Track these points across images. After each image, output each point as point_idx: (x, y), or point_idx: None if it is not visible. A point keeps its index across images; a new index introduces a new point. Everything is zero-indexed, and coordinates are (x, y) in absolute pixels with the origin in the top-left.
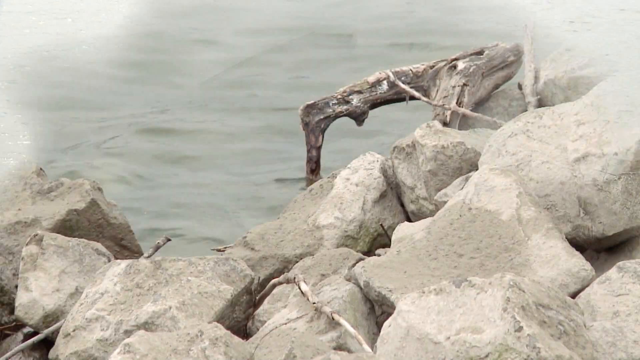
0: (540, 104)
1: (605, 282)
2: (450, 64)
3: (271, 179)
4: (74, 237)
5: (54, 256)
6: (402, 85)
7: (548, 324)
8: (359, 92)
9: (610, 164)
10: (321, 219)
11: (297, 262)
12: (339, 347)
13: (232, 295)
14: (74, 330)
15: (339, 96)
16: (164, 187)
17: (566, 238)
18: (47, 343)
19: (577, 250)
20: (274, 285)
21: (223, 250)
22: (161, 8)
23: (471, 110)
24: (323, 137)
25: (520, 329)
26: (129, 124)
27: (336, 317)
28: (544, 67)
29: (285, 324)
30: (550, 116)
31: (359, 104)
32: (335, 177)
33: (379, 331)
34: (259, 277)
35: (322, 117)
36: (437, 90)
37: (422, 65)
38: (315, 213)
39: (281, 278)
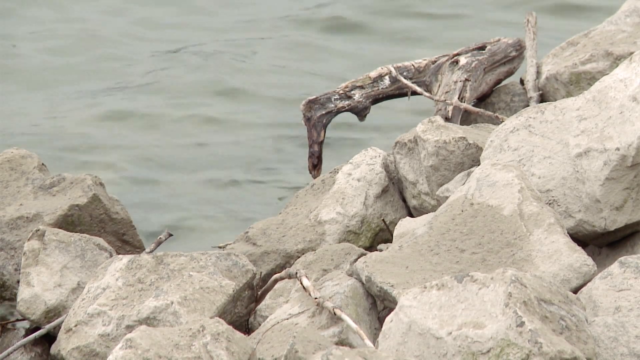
0: (542, 99)
1: (607, 277)
2: (452, 59)
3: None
4: (76, 232)
5: (55, 251)
6: (404, 81)
7: (550, 319)
8: (361, 87)
9: (612, 159)
10: (323, 214)
11: (298, 257)
12: (341, 343)
13: (234, 291)
14: (75, 326)
15: (341, 91)
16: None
17: (568, 233)
18: (49, 338)
19: (578, 245)
20: (276, 281)
21: (224, 247)
22: None
23: (473, 106)
24: (325, 132)
25: (522, 324)
26: None
27: (338, 312)
28: (545, 62)
29: (287, 319)
30: (552, 111)
31: (360, 99)
32: (337, 172)
33: (381, 326)
34: (261, 273)
35: (324, 112)
36: (439, 86)
37: (424, 60)
38: (317, 208)
39: (283, 273)
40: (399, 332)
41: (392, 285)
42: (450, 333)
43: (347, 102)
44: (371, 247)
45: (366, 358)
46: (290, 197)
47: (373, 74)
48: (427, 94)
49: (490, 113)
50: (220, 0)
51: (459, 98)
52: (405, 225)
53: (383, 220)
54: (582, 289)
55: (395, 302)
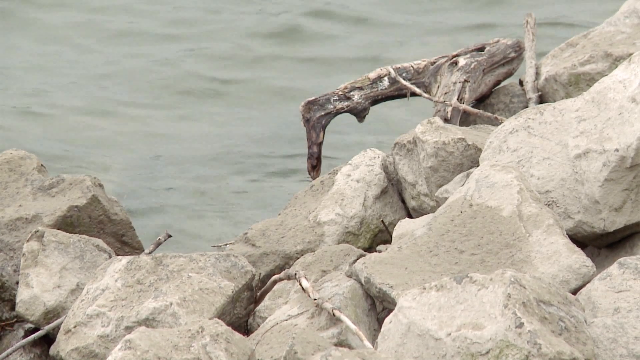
0: (541, 100)
1: (606, 278)
2: (452, 60)
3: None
4: (75, 233)
5: (55, 252)
6: (403, 82)
7: (549, 320)
8: (360, 88)
9: (611, 160)
10: (322, 215)
11: (298, 258)
12: (340, 344)
13: (233, 292)
14: (74, 327)
15: (340, 92)
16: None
17: (567, 234)
18: (48, 339)
19: (578, 246)
20: (275, 282)
21: (223, 248)
22: None
23: (472, 107)
24: (324, 133)
25: (521, 325)
26: None
27: (337, 313)
28: (544, 64)
29: (286, 320)
30: (551, 112)
31: (360, 100)
32: (336, 174)
33: (380, 327)
34: (260, 274)
35: (323, 113)
36: (438, 87)
37: (423, 61)
38: (316, 209)
39: (282, 274)
40: (398, 333)
41: (391, 286)
42: (450, 334)
43: (346, 103)
44: (370, 248)
45: (365, 359)
46: (290, 198)
47: (372, 75)
48: (426, 95)
49: (489, 114)
50: None
51: (458, 99)
52: (404, 226)
53: (382, 221)
54: (581, 290)
55: (394, 303)
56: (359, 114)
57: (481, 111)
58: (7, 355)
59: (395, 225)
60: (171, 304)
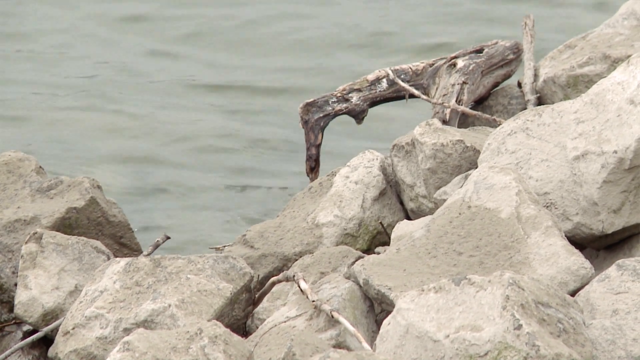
0: (540, 102)
1: (604, 280)
2: (450, 62)
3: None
4: (74, 235)
5: (53, 254)
6: (402, 84)
7: (547, 322)
8: (359, 90)
9: (609, 162)
10: (320, 217)
11: (296, 260)
12: (339, 345)
13: (231, 294)
14: (73, 328)
15: (339, 94)
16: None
17: (566, 236)
18: (47, 341)
19: (576, 248)
20: (274, 283)
21: (221, 250)
22: None
23: (470, 109)
24: (322, 135)
25: (519, 327)
26: None
27: (335, 315)
28: (543, 65)
29: (285, 322)
30: (550, 114)
31: (358, 102)
32: (335, 175)
33: (379, 329)
34: (259, 275)
35: (321, 115)
36: (437, 89)
37: (422, 63)
38: (314, 211)
39: (280, 276)
40: (397, 335)
41: (389, 288)
42: (448, 336)
43: (344, 105)
44: (369, 250)
45: None
46: (288, 200)
47: (371, 76)
48: (424, 96)
49: (487, 116)
50: None
51: (456, 101)
52: (402, 228)
53: (381, 223)
54: (579, 292)
55: (392, 305)
56: (357, 115)
57: (480, 113)
58: (6, 357)
59: (393, 227)
60: (170, 305)
